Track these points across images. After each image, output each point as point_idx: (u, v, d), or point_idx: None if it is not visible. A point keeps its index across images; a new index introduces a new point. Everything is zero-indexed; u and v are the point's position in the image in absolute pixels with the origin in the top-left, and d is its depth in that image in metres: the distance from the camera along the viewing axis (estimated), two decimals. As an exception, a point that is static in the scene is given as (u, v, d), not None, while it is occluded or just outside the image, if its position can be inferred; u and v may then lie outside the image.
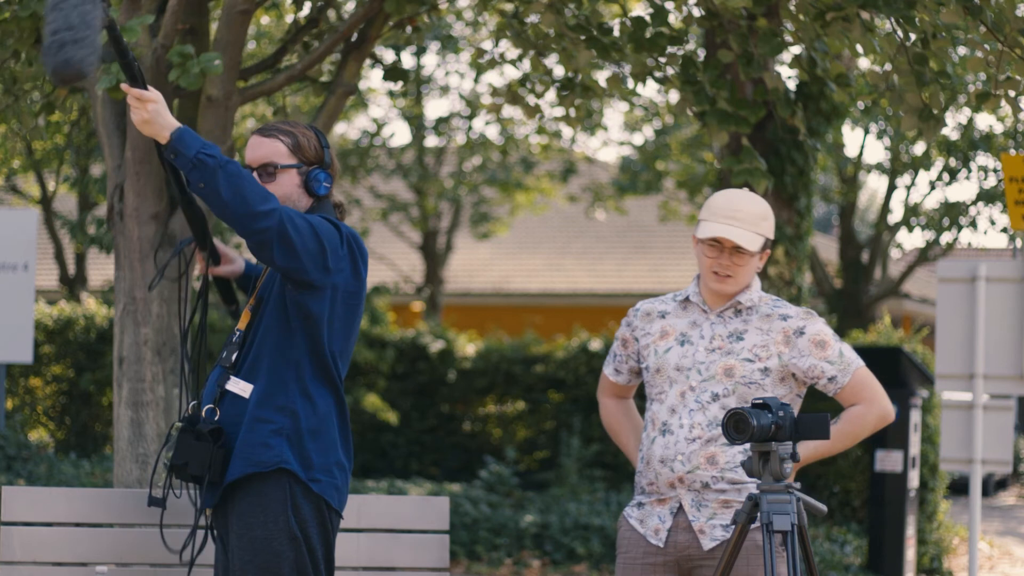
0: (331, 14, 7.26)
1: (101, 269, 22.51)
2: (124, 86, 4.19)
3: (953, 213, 19.37)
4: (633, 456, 4.83)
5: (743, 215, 4.60)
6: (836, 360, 4.58)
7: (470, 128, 20.78)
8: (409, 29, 7.06)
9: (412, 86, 20.18)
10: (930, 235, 20.35)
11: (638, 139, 23.71)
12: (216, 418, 4.37)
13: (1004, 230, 18.99)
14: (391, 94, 20.26)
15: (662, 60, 7.07)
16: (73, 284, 19.10)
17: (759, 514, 4.27)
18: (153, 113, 4.17)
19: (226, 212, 4.15)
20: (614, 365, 4.87)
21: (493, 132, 20.80)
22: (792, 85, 11.28)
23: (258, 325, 4.42)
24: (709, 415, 4.55)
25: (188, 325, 4.74)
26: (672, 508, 4.61)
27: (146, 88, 4.21)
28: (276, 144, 4.44)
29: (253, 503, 4.31)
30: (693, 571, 4.61)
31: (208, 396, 4.41)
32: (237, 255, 4.73)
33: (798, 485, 4.34)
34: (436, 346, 16.52)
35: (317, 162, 4.47)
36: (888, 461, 11.19)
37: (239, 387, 4.37)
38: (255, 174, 4.39)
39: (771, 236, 4.66)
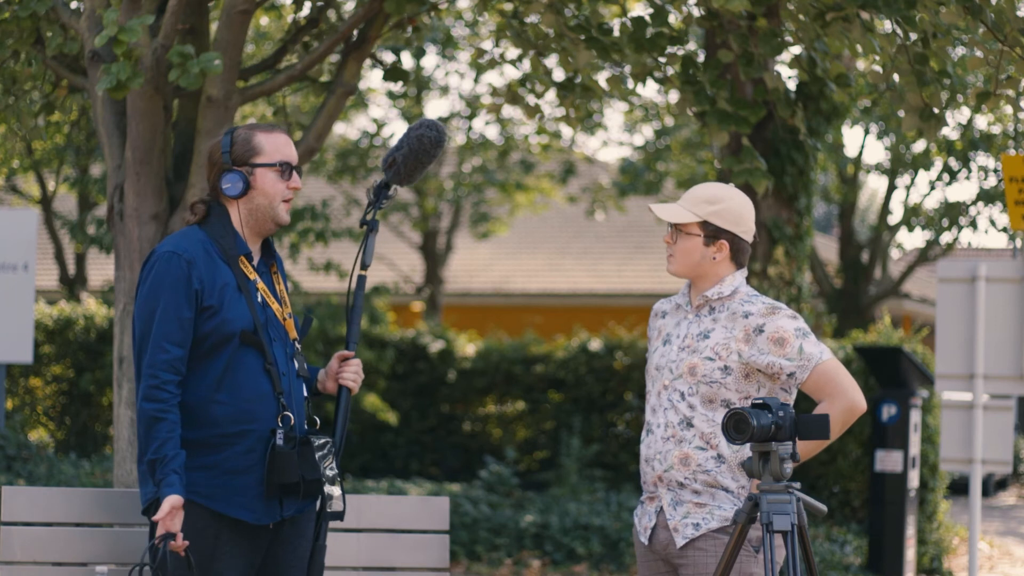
0: (331, 14, 7.26)
1: (101, 269, 22.49)
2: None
3: (953, 213, 19.36)
4: None
5: (687, 196, 4.63)
6: (795, 357, 4.51)
7: (470, 128, 20.76)
8: (409, 29, 7.06)
9: (412, 86, 20.16)
10: (930, 235, 20.35)
11: (638, 140, 23.69)
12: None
13: (1004, 230, 18.98)
14: (391, 94, 20.24)
15: (662, 60, 7.08)
16: (73, 284, 19.08)
17: (759, 514, 4.27)
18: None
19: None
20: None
21: (493, 132, 20.80)
22: (792, 85, 11.28)
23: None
24: (680, 414, 4.56)
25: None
26: (657, 507, 4.64)
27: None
28: None
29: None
30: (679, 568, 4.61)
31: (302, 407, 4.45)
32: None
33: (798, 485, 4.34)
34: (436, 346, 16.51)
35: None
36: (888, 461, 11.19)
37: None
38: (293, 171, 4.44)
39: (717, 223, 4.57)
